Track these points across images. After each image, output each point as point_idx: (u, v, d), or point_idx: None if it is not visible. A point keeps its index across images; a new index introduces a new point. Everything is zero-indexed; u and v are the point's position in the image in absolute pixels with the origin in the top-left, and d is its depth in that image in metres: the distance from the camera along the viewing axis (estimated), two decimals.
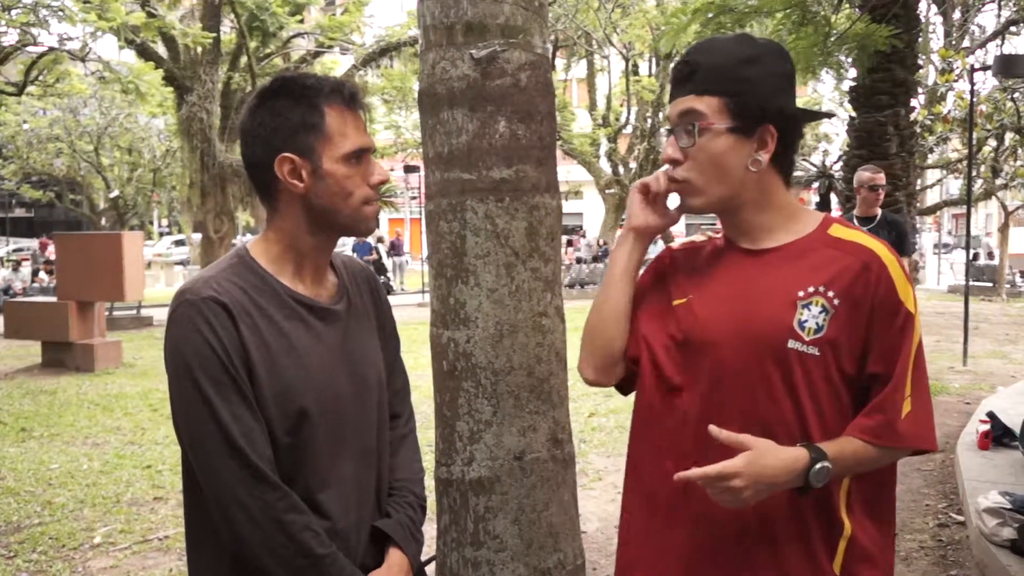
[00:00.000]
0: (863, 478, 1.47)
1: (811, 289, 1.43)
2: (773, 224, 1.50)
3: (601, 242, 25.24)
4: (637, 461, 1.59)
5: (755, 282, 1.47)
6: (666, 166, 1.53)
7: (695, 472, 1.34)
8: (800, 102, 1.60)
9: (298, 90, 1.47)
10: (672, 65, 1.52)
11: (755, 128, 1.44)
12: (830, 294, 1.42)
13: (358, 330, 1.59)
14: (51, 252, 21.67)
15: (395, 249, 25.00)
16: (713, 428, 1.36)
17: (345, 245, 24.49)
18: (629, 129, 24.47)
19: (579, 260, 24.91)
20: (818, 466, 1.35)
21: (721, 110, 1.43)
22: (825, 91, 24.00)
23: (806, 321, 1.42)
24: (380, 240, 24.19)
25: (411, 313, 15.36)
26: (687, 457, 1.45)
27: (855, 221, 5.09)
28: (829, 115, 1.78)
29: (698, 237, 1.67)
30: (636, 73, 23.75)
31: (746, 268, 1.50)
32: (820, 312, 1.41)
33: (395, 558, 1.56)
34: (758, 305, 1.45)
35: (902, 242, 5.54)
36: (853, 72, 7.68)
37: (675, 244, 1.70)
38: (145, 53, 15.29)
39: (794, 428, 1.42)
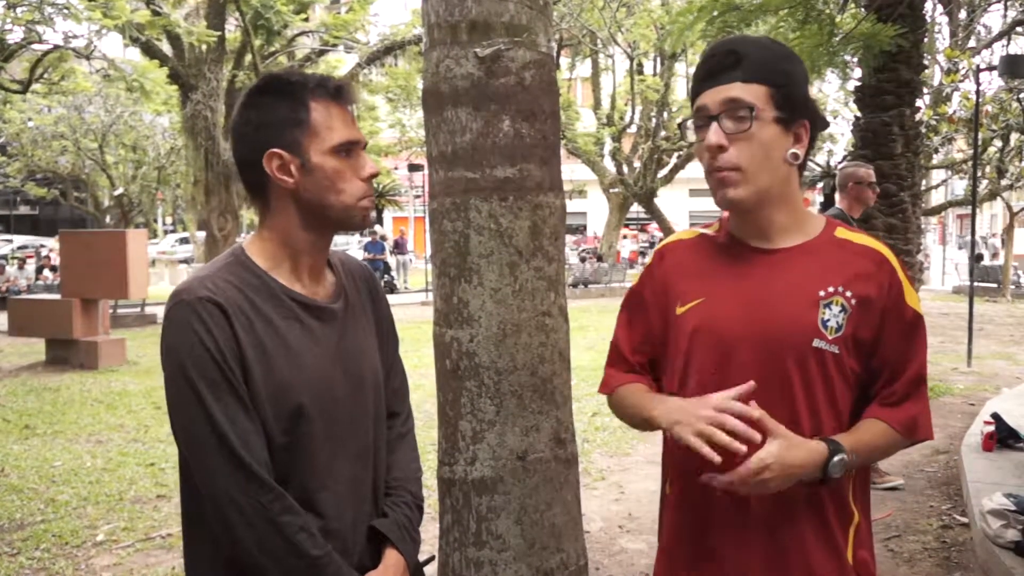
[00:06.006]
0: (863, 471, 1.53)
1: (831, 289, 1.46)
2: (789, 223, 1.52)
3: (607, 246, 25.21)
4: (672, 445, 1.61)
5: (774, 282, 1.49)
6: None
7: (726, 479, 1.38)
8: None
9: (284, 86, 1.47)
10: (707, 54, 1.50)
11: (794, 122, 1.46)
12: (848, 294, 1.46)
13: (355, 329, 1.59)
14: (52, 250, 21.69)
15: (399, 248, 25.02)
16: (756, 408, 1.38)
17: (349, 244, 24.51)
18: (633, 128, 24.44)
19: (583, 259, 24.89)
20: (836, 458, 1.39)
21: (768, 99, 1.44)
22: (830, 91, 23.95)
23: (828, 320, 1.46)
24: (383, 239, 24.21)
25: (414, 312, 15.38)
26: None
27: (851, 220, 5.04)
28: (827, 124, 1.78)
29: (685, 235, 1.67)
30: (641, 72, 23.69)
31: (762, 268, 1.51)
32: (840, 311, 1.46)
33: (392, 558, 1.56)
34: (780, 305, 1.47)
35: None
36: (858, 72, 7.65)
37: (664, 243, 1.70)
38: (150, 51, 15.31)
39: (808, 424, 1.45)
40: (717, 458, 1.35)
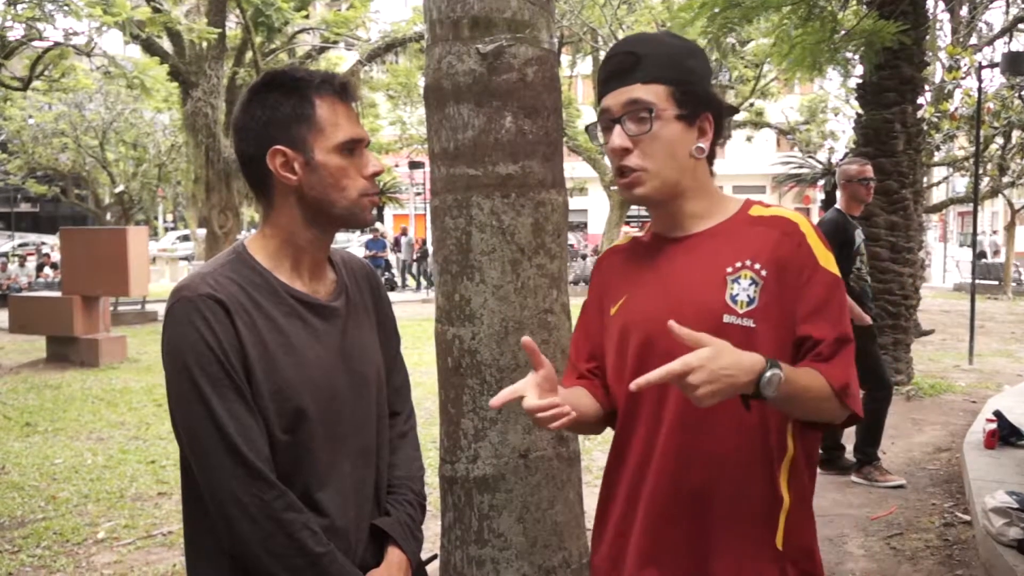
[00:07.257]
0: (800, 453, 1.50)
1: (738, 264, 1.47)
2: (702, 211, 1.54)
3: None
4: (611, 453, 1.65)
5: (683, 266, 1.51)
6: None
7: (656, 373, 1.27)
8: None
9: (288, 83, 1.46)
10: (607, 56, 1.53)
11: (697, 116, 1.49)
12: (756, 266, 1.46)
13: (357, 327, 1.58)
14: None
15: (399, 245, 25.00)
16: (672, 324, 1.29)
17: (350, 242, 24.46)
18: None
19: (579, 257, 24.84)
20: (771, 372, 1.30)
21: (668, 98, 1.46)
22: (832, 88, 23.88)
23: (737, 295, 1.45)
24: (383, 236, 24.22)
25: (415, 309, 15.38)
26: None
27: (848, 219, 4.99)
28: (736, 110, 1.78)
29: (620, 241, 1.71)
30: None
31: (673, 255, 1.54)
32: (750, 284, 1.45)
33: (394, 556, 1.56)
34: (689, 288, 1.48)
35: None
36: (860, 69, 7.64)
37: (603, 252, 1.74)
38: (150, 48, 15.27)
39: (739, 403, 1.41)
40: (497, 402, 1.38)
